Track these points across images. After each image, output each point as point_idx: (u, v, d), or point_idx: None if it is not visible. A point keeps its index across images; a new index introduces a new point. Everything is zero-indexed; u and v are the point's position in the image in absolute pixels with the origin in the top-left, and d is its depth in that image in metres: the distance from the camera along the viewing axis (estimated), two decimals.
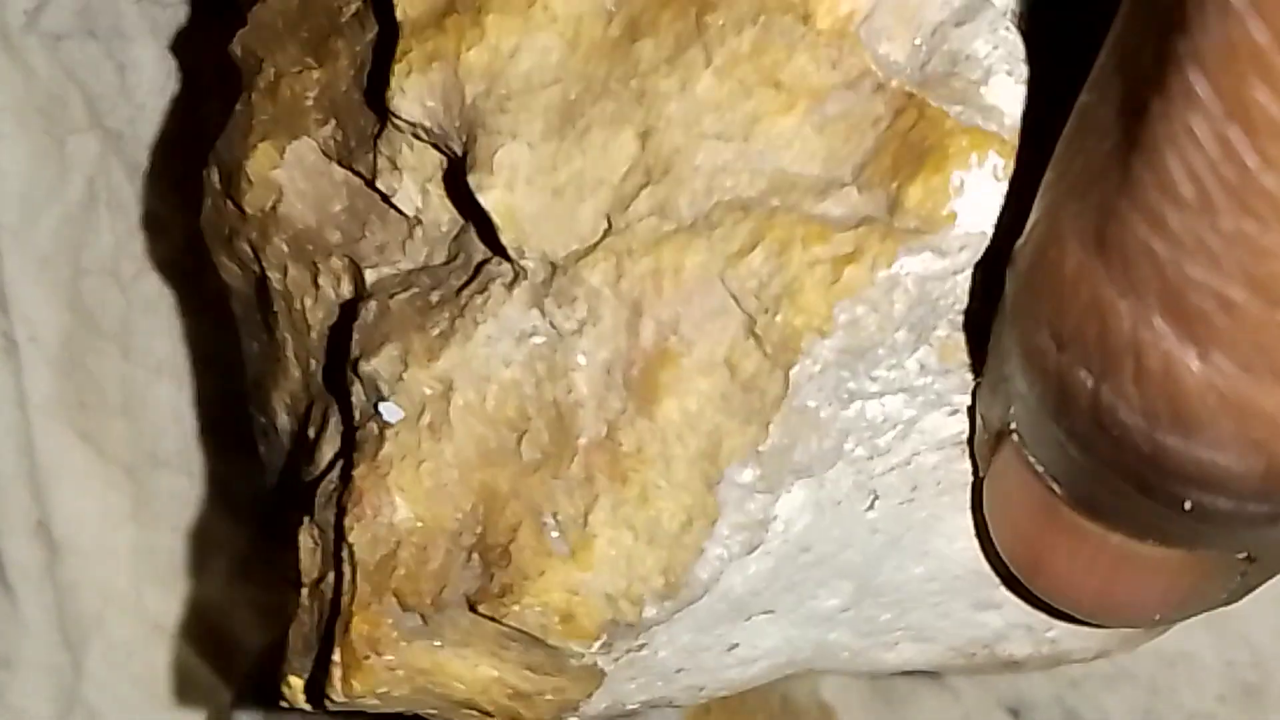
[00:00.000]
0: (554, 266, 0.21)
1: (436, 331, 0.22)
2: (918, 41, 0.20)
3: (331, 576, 0.23)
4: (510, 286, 0.21)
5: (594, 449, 0.21)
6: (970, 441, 0.21)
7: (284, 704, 0.23)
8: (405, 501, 0.22)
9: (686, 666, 0.22)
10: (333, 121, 0.24)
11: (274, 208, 0.25)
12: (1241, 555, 0.18)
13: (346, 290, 0.24)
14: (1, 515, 0.36)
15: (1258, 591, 0.36)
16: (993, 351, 0.19)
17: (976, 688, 0.37)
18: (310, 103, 0.25)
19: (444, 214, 0.23)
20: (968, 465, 0.22)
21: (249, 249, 0.26)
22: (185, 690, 0.38)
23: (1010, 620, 0.23)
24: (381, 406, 0.22)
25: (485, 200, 0.21)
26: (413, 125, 0.22)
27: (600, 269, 0.21)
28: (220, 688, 0.38)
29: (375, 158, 0.23)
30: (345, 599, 0.22)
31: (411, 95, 0.22)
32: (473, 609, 0.21)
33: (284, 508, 0.26)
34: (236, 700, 0.35)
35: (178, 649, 0.38)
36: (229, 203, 0.26)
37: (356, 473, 0.22)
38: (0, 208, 0.36)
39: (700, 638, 0.22)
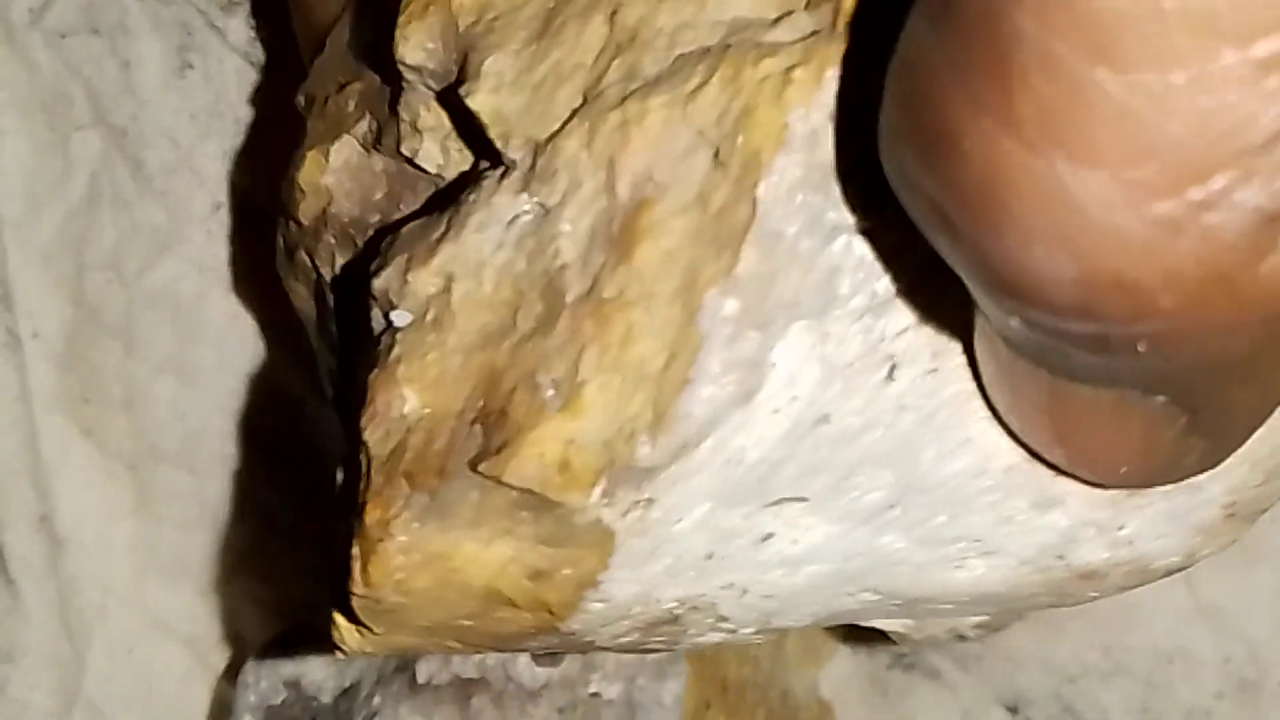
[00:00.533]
0: (536, 148, 0.22)
1: (434, 235, 0.23)
2: None
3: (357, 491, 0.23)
4: (500, 180, 0.22)
5: (579, 304, 0.21)
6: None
7: (339, 651, 0.23)
8: (414, 392, 0.22)
9: (717, 552, 0.22)
10: (368, 115, 0.26)
11: (324, 211, 0.26)
12: (1160, 400, 0.17)
13: None
14: (5, 508, 0.36)
15: (1254, 589, 0.36)
16: None
17: (975, 683, 0.37)
18: (351, 109, 0.26)
19: (463, 167, 0.24)
20: None
21: (306, 257, 0.27)
22: (187, 685, 0.39)
23: (1077, 517, 0.22)
24: (393, 315, 0.22)
25: (472, 103, 0.22)
26: (417, 70, 0.23)
27: (575, 135, 0.21)
28: (222, 683, 0.39)
29: (398, 125, 0.25)
30: (360, 495, 0.22)
31: (414, 41, 0.23)
32: (474, 471, 0.22)
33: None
34: (240, 690, 0.35)
35: (179, 644, 0.39)
36: (290, 223, 0.27)
37: (369, 376, 0.22)
38: (4, 203, 0.37)
39: (723, 513, 0.22)
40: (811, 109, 0.20)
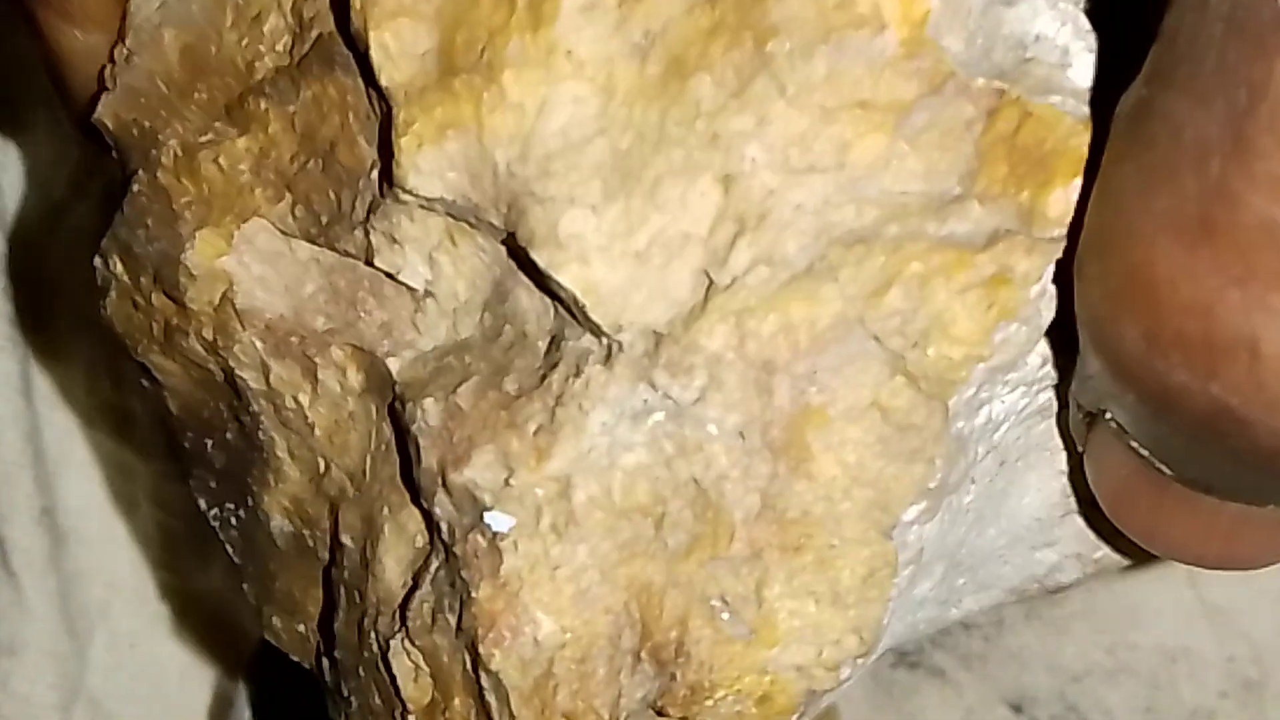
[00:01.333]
0: (657, 336, 0.20)
1: (534, 427, 0.20)
2: (971, 28, 0.19)
3: (460, 704, 0.21)
4: (608, 363, 0.20)
5: (755, 523, 0.20)
6: (1059, 417, 0.21)
7: None
8: (548, 615, 0.20)
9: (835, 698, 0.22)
10: (287, 196, 0.22)
11: (226, 300, 0.23)
12: None
13: (356, 381, 0.23)
14: (8, 502, 0.36)
15: (1258, 590, 0.36)
16: (1081, 352, 0.18)
17: (979, 683, 0.37)
18: (246, 176, 0.22)
19: (458, 282, 0.21)
20: (1043, 426, 0.21)
21: (199, 347, 0.23)
22: (188, 680, 0.38)
23: (1064, 552, 0.23)
24: (488, 517, 0.20)
25: (562, 278, 0.20)
26: (431, 201, 0.20)
27: (719, 333, 0.19)
28: (223, 678, 0.38)
29: (369, 235, 0.22)
30: None
31: (428, 170, 0.20)
32: (659, 713, 0.20)
33: (269, 610, 0.25)
34: (243, 683, 0.35)
35: (181, 639, 0.38)
36: (162, 298, 0.23)
37: (480, 595, 0.20)
38: (9, 196, 0.37)
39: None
40: (1015, 321, 0.19)
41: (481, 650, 0.21)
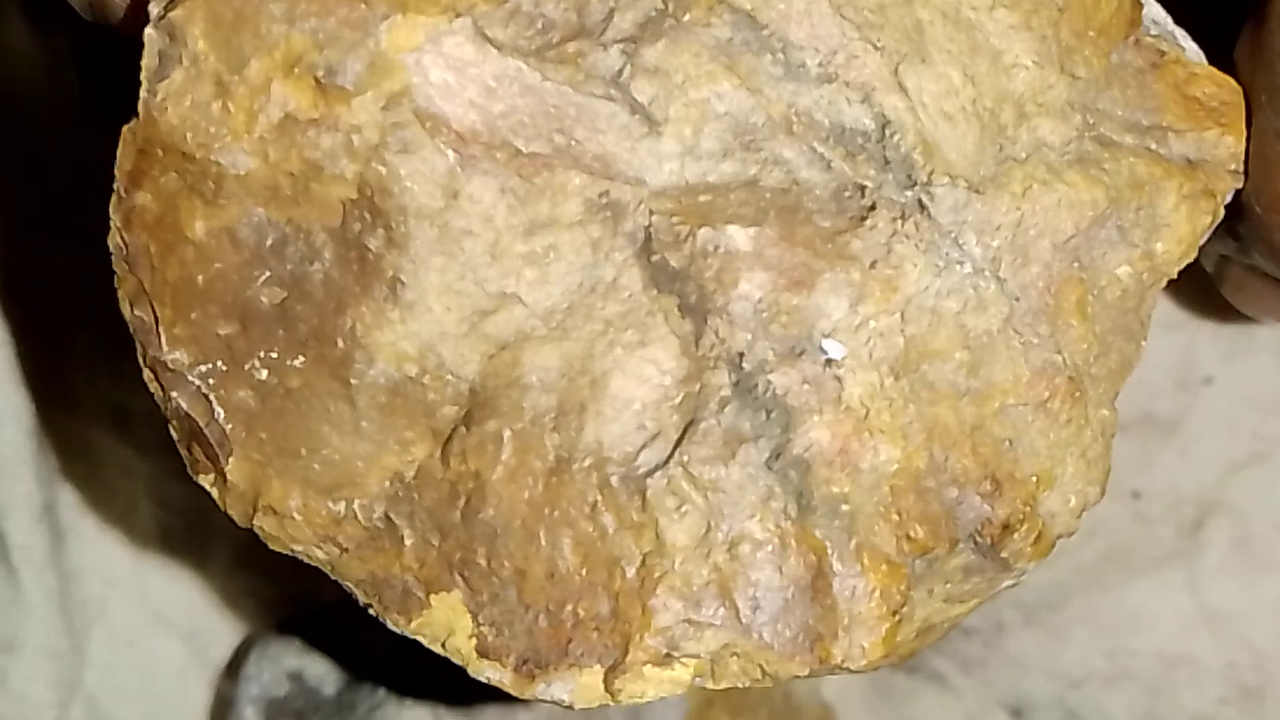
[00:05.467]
0: (967, 194, 0.22)
1: (871, 260, 0.22)
2: None
3: (759, 536, 0.22)
4: (924, 213, 0.22)
5: (1036, 377, 0.23)
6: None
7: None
8: (886, 443, 0.22)
9: None
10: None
11: (401, 100, 0.21)
12: None
13: (573, 209, 0.21)
14: (8, 498, 0.36)
15: (1259, 596, 0.36)
16: (1246, 237, 0.24)
17: (978, 688, 0.37)
18: None
19: (686, 126, 0.21)
20: None
21: (338, 148, 0.21)
22: (185, 679, 0.38)
23: None
24: (825, 344, 0.22)
25: (905, 121, 0.22)
26: (757, 30, 0.22)
27: (1020, 197, 0.22)
28: (223, 676, 0.38)
29: (629, 57, 0.21)
30: (850, 558, 0.22)
31: None
32: (985, 543, 0.23)
33: None
34: (243, 683, 0.35)
35: (179, 637, 0.38)
36: (293, 85, 0.21)
37: (823, 419, 0.22)
38: (4, 190, 0.37)
39: None
40: (1210, 231, 0.24)
41: (824, 474, 0.22)
